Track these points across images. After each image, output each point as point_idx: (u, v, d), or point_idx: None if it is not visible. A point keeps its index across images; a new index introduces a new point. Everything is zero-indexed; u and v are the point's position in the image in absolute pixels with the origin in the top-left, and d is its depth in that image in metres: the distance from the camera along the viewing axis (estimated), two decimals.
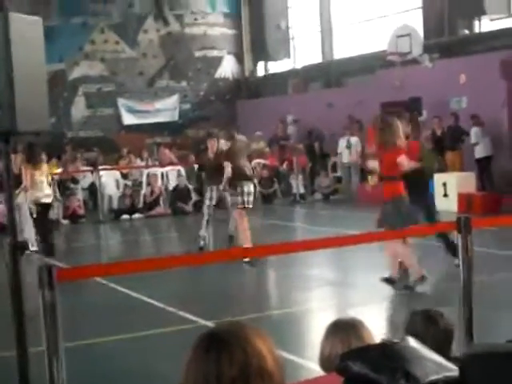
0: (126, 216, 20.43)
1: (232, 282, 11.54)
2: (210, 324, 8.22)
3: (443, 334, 4.01)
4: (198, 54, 29.73)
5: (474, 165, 18.86)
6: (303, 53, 28.64)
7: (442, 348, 3.79)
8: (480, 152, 18.79)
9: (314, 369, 4.64)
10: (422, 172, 10.51)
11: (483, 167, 18.83)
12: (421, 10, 22.96)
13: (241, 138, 13.59)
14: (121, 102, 28.18)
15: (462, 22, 21.71)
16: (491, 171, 18.87)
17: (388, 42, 21.57)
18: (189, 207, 20.57)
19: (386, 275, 10.06)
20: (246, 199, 12.45)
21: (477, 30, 21.75)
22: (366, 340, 3.42)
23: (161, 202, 21.05)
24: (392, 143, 9.80)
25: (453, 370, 2.23)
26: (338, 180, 22.83)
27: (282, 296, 10.85)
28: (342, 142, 22.55)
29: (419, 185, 10.46)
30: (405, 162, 9.78)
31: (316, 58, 27.68)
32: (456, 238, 5.88)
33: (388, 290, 10.01)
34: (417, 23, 22.34)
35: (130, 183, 22.59)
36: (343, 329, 3.52)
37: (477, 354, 2.38)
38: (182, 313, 9.23)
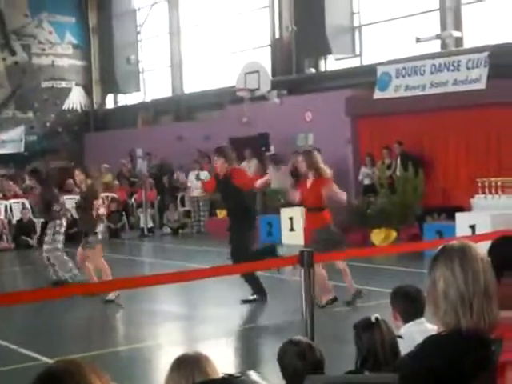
0: None
1: (78, 317, 11.27)
2: (52, 362, 7.97)
3: (311, 368, 4.03)
4: (45, 84, 29.17)
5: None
6: (153, 86, 28.64)
7: None
8: None
9: None
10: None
11: None
12: (269, 48, 23.46)
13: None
14: None
15: (309, 60, 22.31)
16: None
17: (237, 79, 21.87)
18: (33, 241, 20.01)
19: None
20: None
21: (323, 69, 22.40)
22: (210, 375, 3.40)
23: (4, 236, 20.39)
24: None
25: None
26: (187, 214, 22.82)
27: (128, 332, 10.68)
28: (192, 176, 22.57)
29: None
30: None
31: (166, 92, 27.74)
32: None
33: (235, 324, 10.04)
34: (265, 60, 22.78)
35: None
36: (187, 364, 3.48)
37: None
38: (23, 350, 8.92)
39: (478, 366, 2.47)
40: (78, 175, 13.25)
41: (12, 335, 9.75)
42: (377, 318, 4.23)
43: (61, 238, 13.24)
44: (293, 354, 4.13)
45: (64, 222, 13.45)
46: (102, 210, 12.78)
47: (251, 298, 11.15)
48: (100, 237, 12.59)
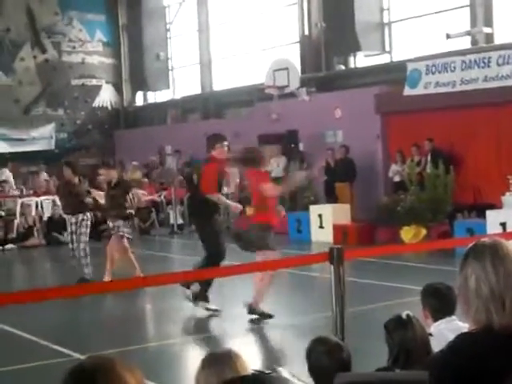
0: None
1: (108, 314, 11.34)
2: (83, 357, 8.03)
3: (338, 366, 4.02)
4: (75, 82, 29.33)
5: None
6: (182, 84, 28.70)
7: None
8: None
9: None
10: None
11: None
12: (298, 45, 23.42)
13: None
14: None
15: (338, 57, 22.24)
16: None
17: (266, 76, 21.85)
18: (64, 237, 20.11)
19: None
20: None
21: (352, 66, 22.32)
22: (241, 371, 3.39)
23: (35, 233, 20.54)
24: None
25: None
26: None
27: (158, 328, 10.73)
28: None
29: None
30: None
31: (195, 89, 27.78)
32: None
33: (265, 321, 10.03)
34: (294, 57, 22.75)
35: (2, 213, 21.94)
36: (218, 360, 3.48)
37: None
38: (55, 346, 8.98)
39: (511, 363, 2.45)
40: (106, 173, 13.41)
41: (44, 331, 9.82)
42: (408, 315, 4.21)
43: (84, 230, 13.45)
44: (320, 352, 4.12)
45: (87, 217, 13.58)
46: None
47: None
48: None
